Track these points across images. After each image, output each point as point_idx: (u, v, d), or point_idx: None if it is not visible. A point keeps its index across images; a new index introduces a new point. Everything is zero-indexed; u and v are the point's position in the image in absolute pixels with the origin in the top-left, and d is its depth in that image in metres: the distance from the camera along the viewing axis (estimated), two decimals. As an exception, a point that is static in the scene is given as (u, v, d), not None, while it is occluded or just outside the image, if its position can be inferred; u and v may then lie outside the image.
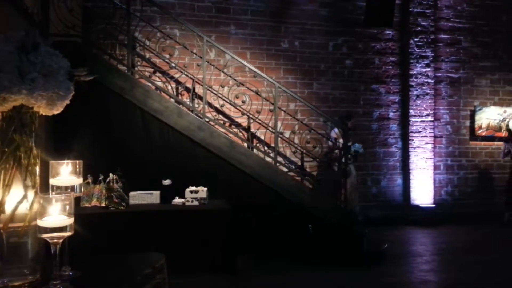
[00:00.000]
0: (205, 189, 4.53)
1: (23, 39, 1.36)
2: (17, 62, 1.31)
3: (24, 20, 3.48)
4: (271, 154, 5.66)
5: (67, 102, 1.42)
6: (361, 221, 5.83)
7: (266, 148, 6.11)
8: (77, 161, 1.58)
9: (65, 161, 1.54)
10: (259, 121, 6.00)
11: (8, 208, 1.35)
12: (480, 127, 7.56)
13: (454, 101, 7.60)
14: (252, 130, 6.37)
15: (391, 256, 5.04)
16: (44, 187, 1.52)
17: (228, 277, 4.12)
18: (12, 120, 1.37)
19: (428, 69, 7.34)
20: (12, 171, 1.36)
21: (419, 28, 7.29)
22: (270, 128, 5.90)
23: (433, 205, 7.23)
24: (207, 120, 5.19)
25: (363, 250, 4.90)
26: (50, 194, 1.40)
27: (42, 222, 1.26)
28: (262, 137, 6.28)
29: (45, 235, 1.28)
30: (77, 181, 1.56)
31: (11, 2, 3.25)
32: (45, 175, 1.54)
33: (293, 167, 6.36)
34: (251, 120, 6.23)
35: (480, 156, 7.68)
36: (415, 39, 7.28)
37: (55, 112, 1.41)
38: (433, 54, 7.38)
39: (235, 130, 6.09)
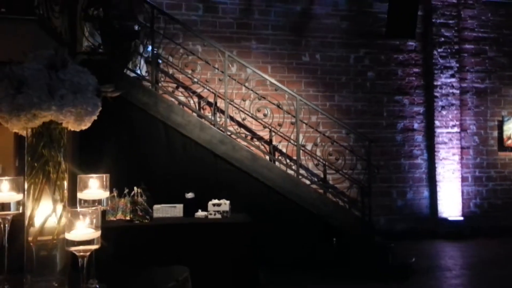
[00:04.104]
0: (228, 202, 4.53)
1: (52, 57, 1.41)
2: (46, 80, 1.36)
3: (53, 39, 3.61)
4: (293, 167, 5.64)
5: (95, 117, 1.46)
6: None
7: (288, 161, 6.09)
8: (104, 175, 1.60)
9: (93, 175, 1.58)
10: (281, 134, 6.00)
11: (37, 222, 1.38)
12: (509, 138, 7.35)
13: (481, 112, 7.42)
14: (274, 143, 6.36)
15: (418, 270, 4.90)
16: (71, 201, 1.56)
17: (252, 292, 4.08)
18: (42, 136, 1.41)
19: (453, 79, 7.21)
20: (41, 186, 1.40)
21: (442, 39, 7.19)
22: (292, 141, 5.89)
23: (462, 218, 7.01)
24: (229, 133, 5.22)
25: (388, 264, 4.78)
26: (78, 207, 1.42)
27: (70, 235, 1.28)
28: (284, 150, 6.27)
29: (72, 248, 1.29)
30: (104, 194, 1.59)
31: (40, 23, 3.38)
32: (73, 188, 1.58)
33: (316, 179, 6.31)
34: (273, 133, 6.23)
35: (509, 167, 7.43)
36: (439, 50, 7.18)
37: (83, 128, 1.45)
38: (457, 65, 7.25)
39: (257, 143, 6.10)
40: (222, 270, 4.11)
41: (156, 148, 4.89)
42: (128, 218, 4.29)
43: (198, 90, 5.87)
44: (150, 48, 5.38)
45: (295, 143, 5.53)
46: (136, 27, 5.48)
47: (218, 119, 5.70)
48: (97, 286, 1.47)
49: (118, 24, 5.19)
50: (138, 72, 5.32)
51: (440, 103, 7.16)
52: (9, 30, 3.07)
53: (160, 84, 5.62)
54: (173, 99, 5.38)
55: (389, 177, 7.03)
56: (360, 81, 7.07)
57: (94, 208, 1.36)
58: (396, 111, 7.18)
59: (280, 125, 5.85)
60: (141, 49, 5.42)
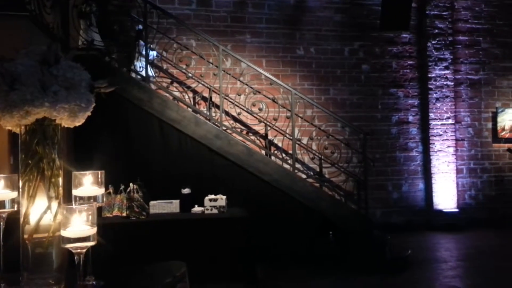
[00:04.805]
0: (224, 197, 4.54)
1: (45, 53, 1.40)
2: (39, 76, 1.35)
3: (45, 35, 3.58)
4: (289, 161, 5.64)
5: (88, 113, 1.45)
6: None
7: (284, 155, 6.09)
8: (99, 172, 1.60)
9: (88, 172, 1.57)
10: (276, 128, 5.99)
11: (33, 219, 1.37)
12: (503, 129, 7.39)
13: (475, 103, 7.45)
14: (270, 137, 6.36)
15: (415, 262, 4.94)
16: (67, 198, 1.55)
17: (248, 286, 4.09)
18: (35, 133, 1.40)
19: (447, 71, 7.22)
20: (36, 183, 1.39)
21: (436, 31, 7.20)
22: (287, 135, 5.88)
23: (457, 210, 7.06)
24: (224, 128, 5.21)
25: (385, 257, 4.81)
26: (73, 204, 1.42)
27: (65, 233, 1.28)
28: (280, 144, 6.26)
29: (68, 245, 1.29)
30: (99, 191, 1.58)
31: (33, 19, 3.34)
32: (68, 185, 1.57)
33: (312, 173, 6.32)
34: (268, 128, 6.22)
35: (504, 159, 7.49)
36: (433, 42, 7.19)
37: (77, 124, 1.44)
38: (452, 56, 7.26)
39: (253, 137, 6.09)
40: (220, 265, 4.12)
41: (152, 144, 4.88)
42: (124, 214, 4.29)
43: (193, 85, 5.84)
44: (154, 53, 5.39)
45: (291, 137, 5.53)
46: (138, 27, 5.46)
47: (213, 114, 5.68)
48: (94, 283, 1.47)
49: (115, 20, 5.16)
50: (138, 70, 5.26)
51: (434, 95, 7.18)
52: (0, 27, 3.03)
53: (154, 80, 5.59)
54: (167, 95, 5.36)
55: (385, 170, 7.06)
56: (355, 74, 7.07)
57: (89, 204, 1.35)
58: (391, 104, 7.20)
59: (275, 119, 5.84)
60: (142, 49, 5.39)
